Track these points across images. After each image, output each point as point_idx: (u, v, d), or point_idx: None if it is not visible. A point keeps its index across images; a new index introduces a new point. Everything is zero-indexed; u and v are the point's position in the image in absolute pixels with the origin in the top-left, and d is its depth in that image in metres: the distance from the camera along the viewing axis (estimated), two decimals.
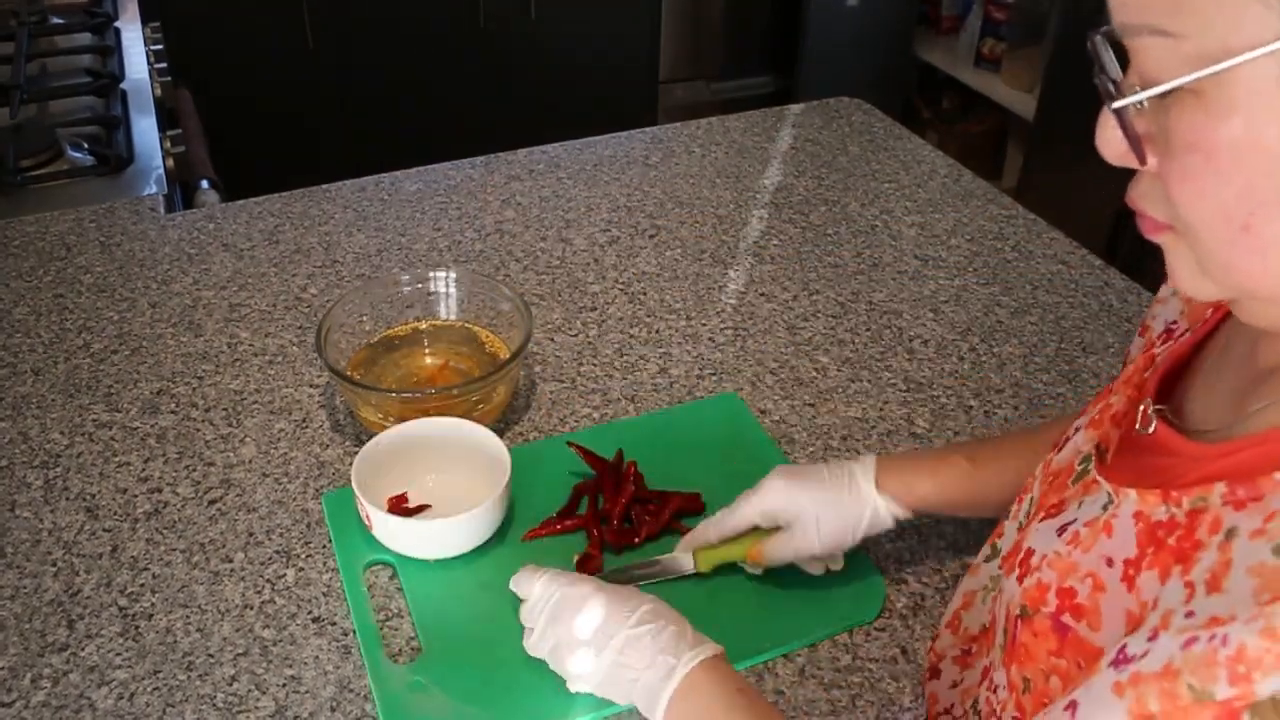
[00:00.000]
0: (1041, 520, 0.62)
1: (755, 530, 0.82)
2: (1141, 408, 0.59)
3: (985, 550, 0.71)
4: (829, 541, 0.79)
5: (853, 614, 0.83)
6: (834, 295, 1.21)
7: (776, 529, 0.81)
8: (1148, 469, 0.56)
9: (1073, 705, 0.48)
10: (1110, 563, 0.54)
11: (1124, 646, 0.48)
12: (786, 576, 0.84)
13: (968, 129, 3.18)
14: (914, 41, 3.22)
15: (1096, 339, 1.14)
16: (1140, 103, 0.46)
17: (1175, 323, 0.66)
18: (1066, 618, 0.56)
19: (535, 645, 0.75)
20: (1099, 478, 0.59)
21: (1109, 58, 0.47)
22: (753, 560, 0.83)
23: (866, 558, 0.87)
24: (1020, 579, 0.60)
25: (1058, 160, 2.63)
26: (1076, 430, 0.67)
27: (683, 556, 0.85)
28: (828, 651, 0.80)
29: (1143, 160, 0.48)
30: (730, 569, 0.84)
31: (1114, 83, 0.47)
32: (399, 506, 0.89)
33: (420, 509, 0.89)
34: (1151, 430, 0.57)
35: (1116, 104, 0.47)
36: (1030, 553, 0.61)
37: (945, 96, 3.26)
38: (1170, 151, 0.46)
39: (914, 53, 3.23)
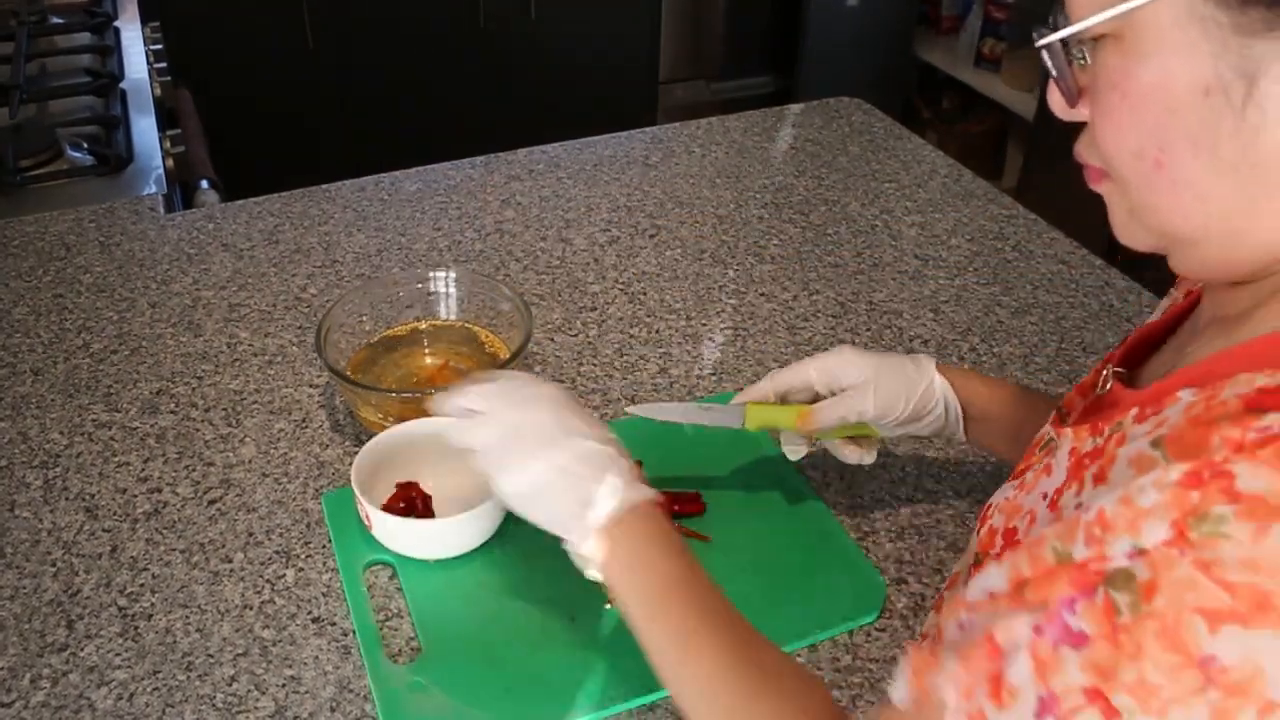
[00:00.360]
0: (1006, 483, 0.65)
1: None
2: (1103, 372, 0.62)
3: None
4: (883, 405, 0.80)
5: (853, 614, 0.83)
6: (834, 295, 1.21)
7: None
8: (1093, 418, 0.59)
9: (968, 580, 0.51)
10: (1045, 496, 0.57)
11: (1015, 531, 0.51)
12: (788, 576, 0.84)
13: (968, 129, 3.18)
14: (914, 41, 3.22)
15: (1096, 339, 1.14)
16: (1081, 57, 0.50)
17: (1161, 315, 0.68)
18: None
19: (476, 433, 0.68)
20: (1049, 427, 0.62)
21: (1060, 13, 0.50)
22: (801, 423, 0.82)
23: (866, 558, 0.87)
24: (978, 531, 0.63)
25: (1058, 160, 2.63)
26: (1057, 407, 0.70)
27: (733, 410, 0.84)
28: (828, 651, 0.80)
29: (1071, 101, 0.52)
30: (723, 565, 0.84)
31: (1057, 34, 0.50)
32: (407, 496, 0.88)
33: (425, 502, 0.89)
34: (1108, 389, 0.60)
35: (1039, 41, 0.50)
36: (989, 507, 0.63)
37: (945, 96, 3.26)
38: (1095, 94, 0.50)
39: (914, 53, 3.23)
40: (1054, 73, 0.51)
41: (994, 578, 0.48)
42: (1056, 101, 0.53)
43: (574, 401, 0.70)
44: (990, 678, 0.44)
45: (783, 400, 0.84)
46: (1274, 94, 0.44)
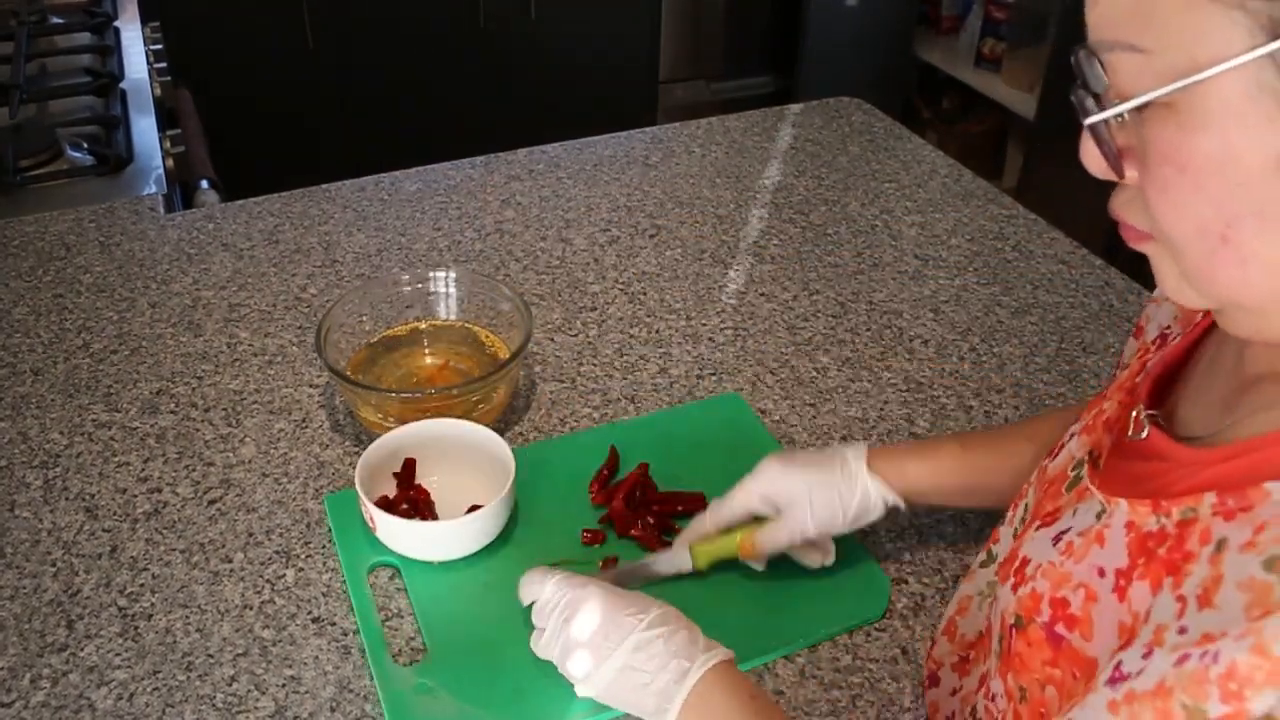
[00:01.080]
0: (1037, 529, 0.62)
1: (750, 523, 0.82)
2: (1134, 414, 0.59)
3: (981, 556, 0.71)
4: (822, 523, 0.79)
5: (858, 612, 0.83)
6: (834, 295, 1.21)
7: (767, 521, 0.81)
8: (1139, 475, 0.56)
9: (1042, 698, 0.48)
10: (1102, 573, 0.54)
11: (1119, 663, 0.48)
12: (790, 575, 0.84)
13: (968, 129, 3.18)
14: (914, 41, 3.22)
15: (1096, 339, 1.14)
16: (1120, 117, 0.47)
17: (1169, 328, 0.66)
18: (1060, 628, 0.56)
19: (544, 647, 0.74)
20: (1091, 486, 0.59)
21: (1093, 72, 0.47)
22: (745, 553, 0.82)
23: (869, 555, 0.87)
24: (1015, 588, 0.60)
25: (1058, 160, 2.63)
26: (1071, 437, 0.67)
27: (679, 554, 0.84)
28: (828, 652, 0.80)
29: (1121, 174, 0.49)
30: (731, 567, 0.84)
31: (1095, 96, 0.48)
32: (409, 496, 0.88)
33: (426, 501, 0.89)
34: (1144, 436, 0.58)
35: (1090, 119, 0.47)
36: (1025, 561, 0.61)
37: (945, 96, 3.26)
38: (1147, 164, 0.47)
39: (914, 53, 3.23)
40: (1095, 140, 0.48)
41: None
42: (1094, 163, 0.50)
43: (614, 594, 0.73)
44: None
45: (726, 529, 0.83)
46: None
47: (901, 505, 0.80)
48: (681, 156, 1.50)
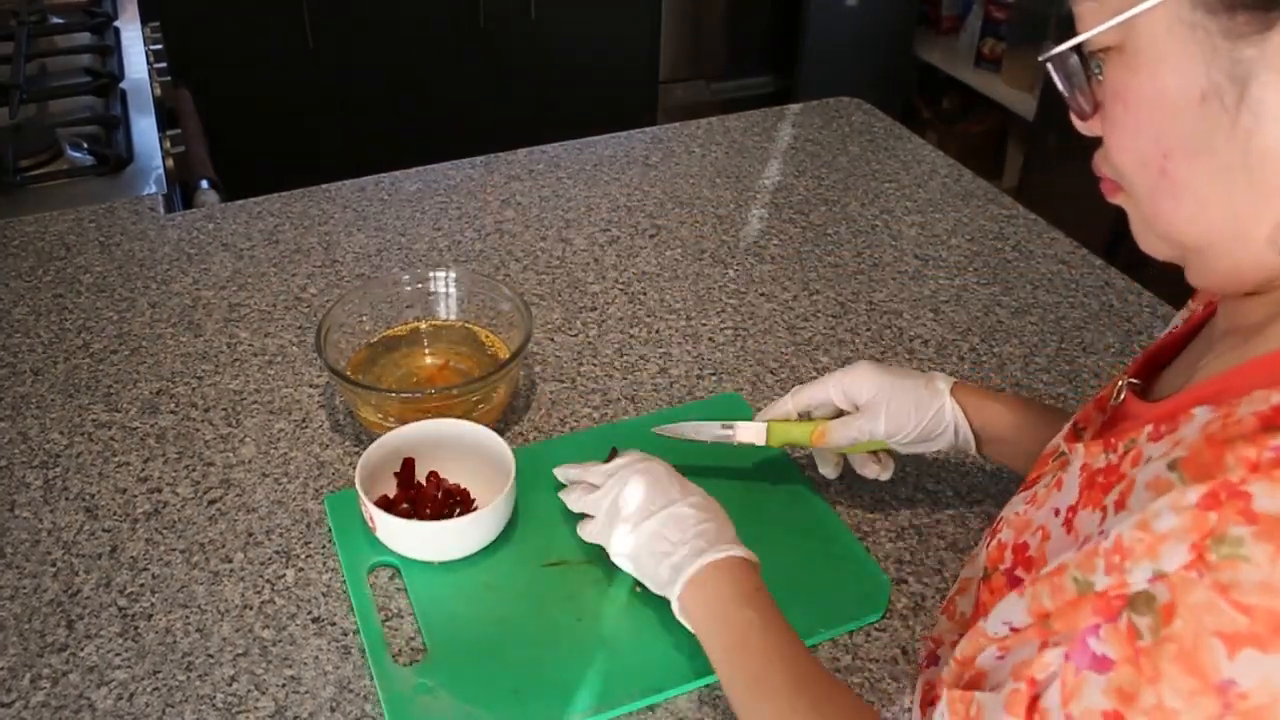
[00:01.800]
0: (1018, 495, 0.64)
1: (829, 416, 0.86)
2: (1118, 385, 0.62)
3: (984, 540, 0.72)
4: (892, 428, 0.82)
5: (858, 612, 0.83)
6: (834, 295, 1.21)
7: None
8: (1105, 431, 0.59)
9: (988, 612, 0.51)
10: (1057, 513, 0.56)
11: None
12: (790, 575, 0.84)
13: (968, 129, 3.18)
14: (914, 41, 3.22)
15: (1096, 339, 1.14)
16: (1098, 71, 0.50)
17: (1176, 325, 0.68)
18: (1019, 571, 0.58)
19: (588, 500, 0.81)
20: (1061, 441, 0.62)
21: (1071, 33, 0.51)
22: (816, 440, 0.85)
23: (869, 555, 0.87)
24: (987, 545, 0.63)
25: (1058, 160, 2.64)
26: (1071, 419, 0.69)
27: (757, 428, 0.88)
28: (828, 651, 0.80)
29: (1083, 115, 0.52)
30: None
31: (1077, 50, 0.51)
32: (410, 496, 0.89)
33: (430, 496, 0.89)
34: (1121, 399, 0.60)
35: (1044, 55, 0.52)
36: (1001, 520, 0.63)
37: (945, 96, 3.26)
38: (1104, 107, 0.51)
39: (914, 53, 3.23)
40: (1063, 88, 0.52)
41: (1014, 611, 0.48)
42: (1076, 119, 0.53)
43: (670, 473, 0.79)
44: (1027, 708, 0.45)
45: (805, 416, 0.88)
46: (1265, 98, 0.44)
47: (971, 446, 0.83)
48: (681, 156, 1.50)
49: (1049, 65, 0.51)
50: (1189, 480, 0.43)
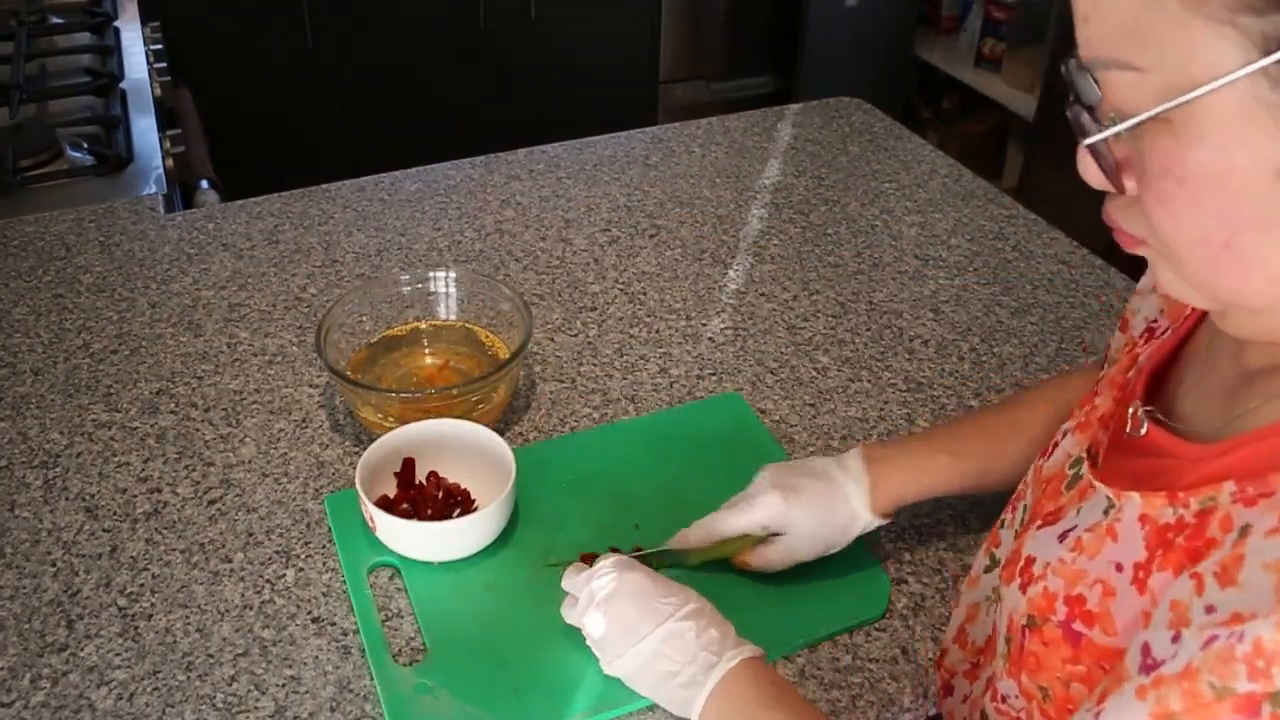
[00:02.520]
0: (1039, 528, 0.62)
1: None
2: (1131, 410, 0.59)
3: (983, 561, 0.71)
4: (818, 549, 0.82)
5: (858, 612, 0.83)
6: (834, 295, 1.21)
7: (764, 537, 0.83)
8: (1144, 471, 0.56)
9: (1099, 712, 0.48)
10: (1120, 568, 0.54)
11: (1147, 647, 0.47)
12: (790, 575, 0.84)
13: (968, 129, 3.18)
14: (914, 41, 3.22)
15: (1097, 339, 1.14)
16: (1101, 122, 0.47)
17: (1156, 321, 0.67)
18: (1078, 625, 0.56)
19: (576, 614, 0.76)
20: (1095, 482, 0.59)
21: (1086, 86, 0.48)
22: (740, 565, 0.84)
23: (869, 555, 0.87)
24: (1023, 588, 0.60)
25: (1058, 160, 2.63)
26: (1065, 434, 0.67)
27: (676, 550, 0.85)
28: (828, 651, 0.80)
29: (1120, 189, 0.49)
30: (730, 567, 0.84)
31: (1089, 109, 0.48)
32: (409, 496, 0.89)
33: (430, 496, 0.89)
34: (1143, 432, 0.58)
35: (1088, 140, 0.48)
36: (1031, 560, 0.60)
37: (945, 96, 3.26)
38: (1146, 177, 0.47)
39: (914, 53, 3.23)
40: (1092, 155, 0.49)
41: (1130, 710, 0.46)
42: (1093, 176, 0.50)
43: (653, 582, 0.74)
44: None
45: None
46: None
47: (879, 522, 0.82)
48: (681, 156, 1.50)
49: (1090, 148, 0.48)
50: None
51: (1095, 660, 0.55)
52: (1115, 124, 0.47)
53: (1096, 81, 0.47)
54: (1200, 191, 0.45)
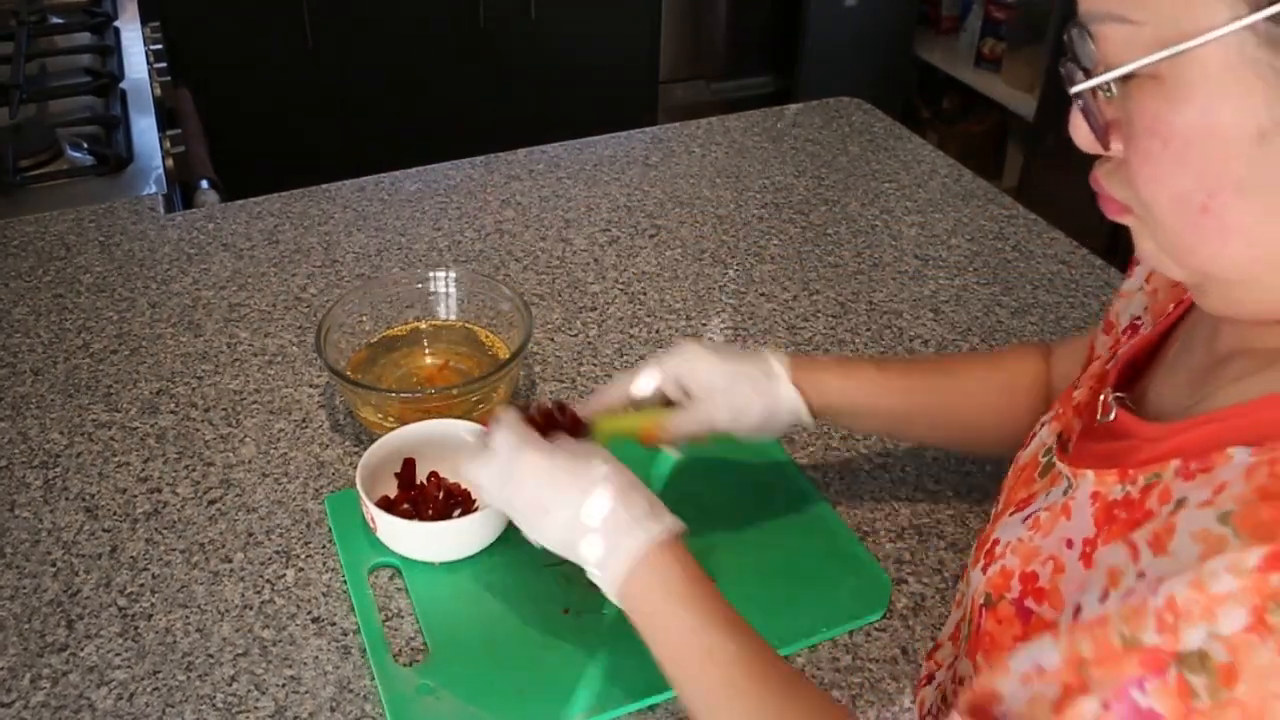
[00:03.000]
0: (1011, 514, 0.63)
1: (655, 406, 0.80)
2: (1102, 397, 0.60)
3: (975, 556, 0.71)
4: (732, 419, 0.79)
5: (858, 612, 0.82)
6: (834, 295, 1.21)
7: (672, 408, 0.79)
8: (1106, 453, 0.57)
9: (995, 642, 0.50)
10: (1070, 544, 0.55)
11: (1078, 609, 0.49)
12: (790, 575, 0.84)
13: (968, 129, 3.18)
14: (914, 41, 3.22)
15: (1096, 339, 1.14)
16: (1106, 89, 0.48)
17: (1140, 318, 0.68)
18: (1029, 602, 0.56)
19: (491, 498, 0.72)
20: (1060, 465, 0.60)
21: (1084, 48, 0.48)
22: (646, 438, 0.79)
23: (869, 555, 0.87)
24: (985, 569, 0.61)
25: (1058, 160, 2.64)
26: (1042, 425, 0.67)
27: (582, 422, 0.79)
28: (828, 651, 0.80)
29: (1106, 145, 0.50)
30: (726, 568, 0.84)
31: (1084, 70, 0.49)
32: (410, 496, 0.88)
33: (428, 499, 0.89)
34: (1112, 417, 0.58)
35: (1075, 88, 0.49)
36: (996, 542, 0.61)
37: (945, 96, 3.26)
38: (1132, 136, 0.48)
39: (914, 53, 3.23)
40: (1083, 112, 0.49)
41: (1046, 653, 0.46)
42: (1082, 136, 0.50)
43: (550, 457, 0.70)
44: None
45: (633, 406, 0.81)
46: None
47: (810, 424, 0.80)
48: (681, 156, 1.50)
49: (1080, 101, 0.48)
50: (1247, 539, 0.41)
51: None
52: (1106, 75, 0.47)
53: (1092, 37, 0.48)
54: (1183, 151, 0.46)
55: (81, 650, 0.80)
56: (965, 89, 3.12)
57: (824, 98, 1.66)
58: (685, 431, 0.79)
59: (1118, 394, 0.59)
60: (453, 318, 1.09)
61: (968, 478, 0.96)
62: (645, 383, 0.80)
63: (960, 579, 0.75)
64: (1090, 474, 0.55)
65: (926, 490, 0.94)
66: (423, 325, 1.08)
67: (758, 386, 0.78)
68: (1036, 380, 0.83)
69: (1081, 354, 0.76)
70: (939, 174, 1.46)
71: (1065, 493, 0.57)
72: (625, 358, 1.10)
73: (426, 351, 1.07)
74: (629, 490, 0.67)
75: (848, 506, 0.92)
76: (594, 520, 0.66)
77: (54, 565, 0.87)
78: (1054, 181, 2.59)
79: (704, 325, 1.15)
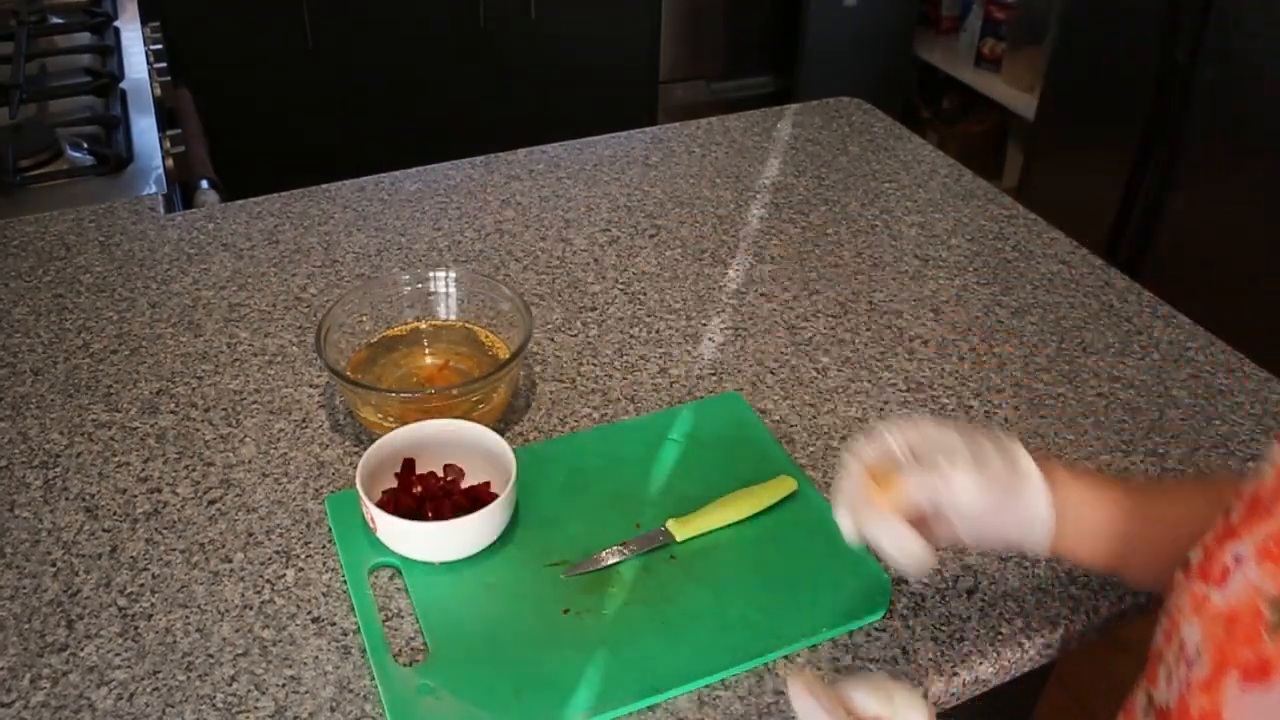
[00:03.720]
0: (1243, 689, 0.52)
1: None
2: None
3: (1141, 699, 0.63)
4: (977, 542, 0.72)
5: (858, 612, 0.82)
6: (834, 295, 1.21)
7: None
8: None
9: None
10: None
11: None
12: (789, 575, 0.84)
13: (968, 129, 3.18)
14: (914, 41, 3.22)
15: (1096, 339, 1.14)
16: None
17: None
18: None
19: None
20: None
21: None
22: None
23: (870, 555, 0.87)
24: None
25: (1058, 160, 2.64)
26: (1236, 560, 0.56)
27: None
28: (828, 651, 0.80)
29: None
30: (724, 567, 0.84)
31: None
32: (410, 496, 0.88)
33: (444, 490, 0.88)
34: None
35: None
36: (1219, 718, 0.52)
37: (945, 96, 3.26)
38: None
39: (914, 53, 3.23)
40: None
41: None
42: None
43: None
44: None
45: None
46: None
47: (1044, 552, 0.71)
48: (681, 156, 1.50)
49: None
50: None
51: None
52: None
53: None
54: None
55: (81, 650, 0.80)
56: (965, 89, 3.13)
57: (824, 98, 1.66)
58: (925, 489, 0.69)
59: None
60: (453, 318, 1.09)
61: None
62: (900, 496, 0.69)
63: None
64: None
65: None
66: (423, 325, 1.08)
67: (1017, 519, 0.69)
68: None
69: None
70: (939, 174, 1.46)
71: None
72: (625, 358, 1.10)
73: (426, 351, 1.07)
74: None
75: None
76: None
77: (54, 565, 0.87)
78: (1054, 181, 2.59)
79: (704, 325, 1.15)
